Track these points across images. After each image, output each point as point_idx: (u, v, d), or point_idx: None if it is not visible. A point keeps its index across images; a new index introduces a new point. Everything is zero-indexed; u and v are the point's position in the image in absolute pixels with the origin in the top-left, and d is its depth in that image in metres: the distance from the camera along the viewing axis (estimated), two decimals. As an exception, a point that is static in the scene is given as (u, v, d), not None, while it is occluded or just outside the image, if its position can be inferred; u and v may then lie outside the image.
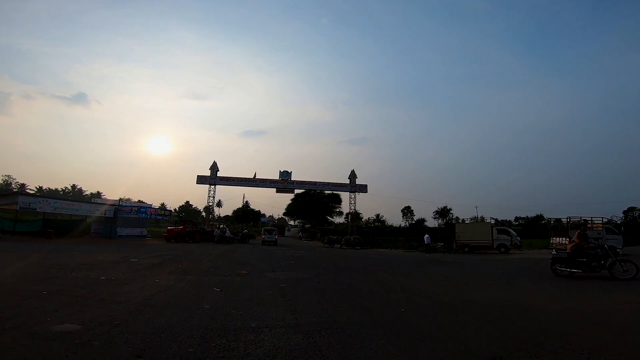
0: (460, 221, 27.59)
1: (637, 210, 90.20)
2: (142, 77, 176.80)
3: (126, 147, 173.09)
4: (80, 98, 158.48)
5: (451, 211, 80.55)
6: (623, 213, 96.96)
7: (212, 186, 46.20)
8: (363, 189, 49.67)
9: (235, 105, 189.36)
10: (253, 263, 13.97)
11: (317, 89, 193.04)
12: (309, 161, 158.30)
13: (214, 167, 46.63)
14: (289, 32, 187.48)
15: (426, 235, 26.57)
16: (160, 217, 33.86)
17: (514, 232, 24.91)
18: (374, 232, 63.74)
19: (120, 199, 30.29)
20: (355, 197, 49.31)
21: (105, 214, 28.63)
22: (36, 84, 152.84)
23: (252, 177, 48.26)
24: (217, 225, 42.85)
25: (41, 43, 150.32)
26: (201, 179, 46.17)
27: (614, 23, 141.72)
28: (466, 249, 25.88)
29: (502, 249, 24.37)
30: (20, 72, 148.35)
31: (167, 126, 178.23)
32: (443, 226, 79.63)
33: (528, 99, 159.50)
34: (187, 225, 33.54)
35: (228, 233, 33.62)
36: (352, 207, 49.20)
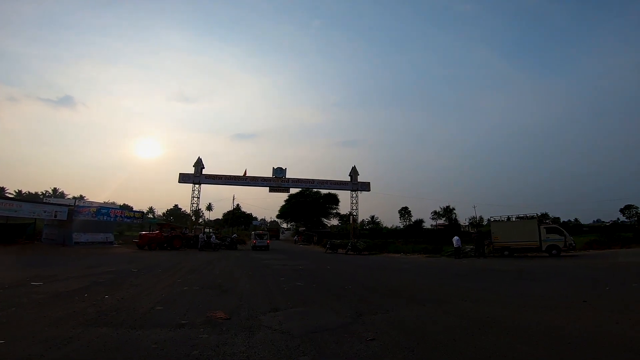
0: (492, 220, 22.73)
1: (634, 208, 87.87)
2: (130, 79, 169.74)
3: (113, 150, 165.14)
4: (66, 101, 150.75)
5: (454, 211, 76.05)
6: (620, 211, 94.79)
7: (197, 185, 40.67)
8: (365, 187, 44.69)
9: (226, 108, 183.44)
10: (240, 286, 8.79)
11: (309, 91, 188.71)
12: (303, 164, 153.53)
13: (199, 164, 41.08)
14: (280, 34, 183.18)
15: (455, 238, 21.71)
16: (128, 220, 28.21)
17: (565, 232, 20.26)
18: (373, 234, 59.29)
19: (76, 199, 24.52)
20: (357, 197, 44.37)
21: (55, 216, 22.92)
22: (21, 86, 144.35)
23: (241, 175, 42.97)
24: (202, 230, 37.40)
25: (26, 44, 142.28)
26: (184, 178, 40.51)
27: (604, 24, 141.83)
28: (506, 252, 21.19)
29: (554, 251, 19.74)
30: (4, 74, 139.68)
31: (156, 129, 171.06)
32: (442, 227, 75.53)
33: (522, 101, 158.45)
34: (164, 229, 28.05)
35: (214, 238, 28.22)
36: (354, 207, 44.15)
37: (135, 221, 29.34)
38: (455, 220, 74.15)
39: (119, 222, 27.02)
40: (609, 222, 75.24)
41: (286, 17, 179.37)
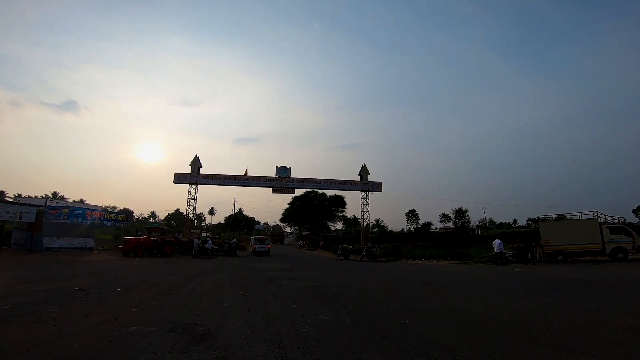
0: (540, 220, 19.09)
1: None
2: (132, 83, 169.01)
3: (116, 155, 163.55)
4: (70, 105, 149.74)
5: (467, 213, 72.08)
6: (633, 212, 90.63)
7: (194, 186, 37.28)
8: (377, 187, 41.02)
9: (227, 112, 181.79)
10: (228, 325, 5.22)
11: (310, 94, 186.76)
12: (305, 168, 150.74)
13: (196, 163, 37.74)
14: (280, 37, 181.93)
15: (497, 241, 18.04)
16: (109, 223, 24.65)
17: (633, 232, 16.68)
18: (381, 237, 55.84)
19: (48, 198, 20.94)
20: (367, 198, 40.76)
21: (20, 218, 19.47)
22: (24, 91, 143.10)
23: (242, 174, 39.55)
24: (198, 234, 33.96)
25: (28, 48, 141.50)
26: (180, 178, 37.12)
27: (600, 25, 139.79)
28: (560, 257, 17.59)
29: (620, 255, 16.20)
30: (6, 78, 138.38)
31: (158, 133, 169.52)
32: (451, 230, 71.45)
33: (522, 101, 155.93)
34: (153, 233, 24.61)
35: (210, 244, 24.70)
36: (365, 209, 40.52)
37: (118, 224, 25.83)
38: (468, 222, 70.29)
39: (98, 224, 23.52)
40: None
41: (286, 19, 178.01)
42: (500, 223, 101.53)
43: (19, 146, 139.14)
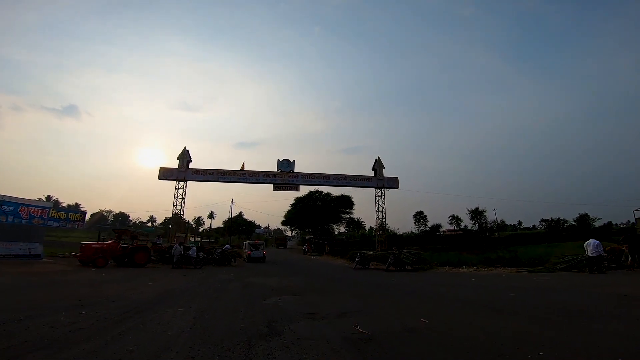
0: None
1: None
2: (132, 88, 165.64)
3: (116, 159, 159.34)
4: (71, 110, 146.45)
5: (484, 213, 66.31)
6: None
7: (182, 183, 32.18)
8: (393, 183, 36.06)
9: (228, 116, 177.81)
10: None
11: (311, 97, 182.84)
12: (307, 172, 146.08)
13: (185, 156, 32.74)
14: (280, 41, 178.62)
15: (593, 241, 12.78)
16: (57, 224, 19.24)
17: None
18: (390, 241, 50.65)
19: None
20: (383, 195, 35.66)
21: None
22: (25, 95, 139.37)
23: (239, 169, 34.47)
24: (185, 239, 28.77)
25: (29, 51, 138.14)
26: (166, 173, 32.07)
27: (600, 25, 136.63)
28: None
29: None
30: (7, 82, 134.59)
31: (158, 138, 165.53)
32: (460, 232, 65.82)
33: (523, 102, 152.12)
34: (123, 237, 19.52)
35: (194, 251, 19.48)
36: (381, 208, 35.39)
37: (69, 225, 20.52)
38: (486, 223, 64.51)
39: (39, 224, 18.22)
40: (623, 224, 67.21)
41: (287, 23, 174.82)
42: (505, 225, 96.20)
43: (20, 151, 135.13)
